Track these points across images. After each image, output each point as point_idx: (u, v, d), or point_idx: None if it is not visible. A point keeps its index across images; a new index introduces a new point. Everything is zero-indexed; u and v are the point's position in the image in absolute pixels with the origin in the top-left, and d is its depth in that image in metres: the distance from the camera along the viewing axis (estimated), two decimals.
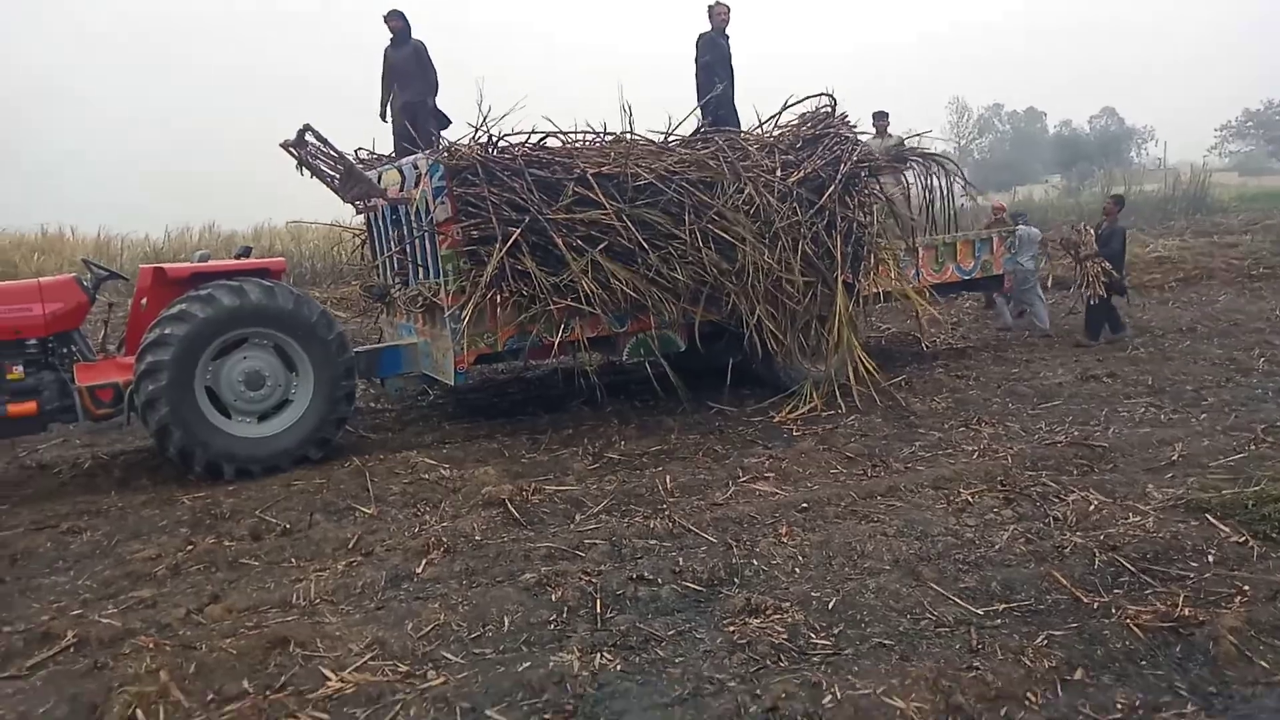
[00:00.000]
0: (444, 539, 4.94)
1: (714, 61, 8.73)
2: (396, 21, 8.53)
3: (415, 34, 8.64)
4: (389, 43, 8.64)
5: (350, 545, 5.00)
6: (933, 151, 9.25)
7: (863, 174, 8.18)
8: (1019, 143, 75.37)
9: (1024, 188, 40.32)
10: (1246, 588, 3.89)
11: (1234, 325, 10.42)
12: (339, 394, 6.77)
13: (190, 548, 5.05)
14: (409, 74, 8.50)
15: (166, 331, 6.23)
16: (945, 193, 9.40)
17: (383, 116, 8.67)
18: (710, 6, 8.84)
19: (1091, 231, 9.94)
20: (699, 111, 8.53)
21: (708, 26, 8.84)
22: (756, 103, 8.68)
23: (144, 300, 6.88)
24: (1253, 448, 5.81)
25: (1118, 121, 73.73)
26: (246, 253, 8.19)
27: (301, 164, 7.79)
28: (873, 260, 8.27)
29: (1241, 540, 4.39)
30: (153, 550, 5.02)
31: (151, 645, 3.82)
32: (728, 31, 8.83)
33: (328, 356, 6.71)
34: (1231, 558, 4.25)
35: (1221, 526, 4.53)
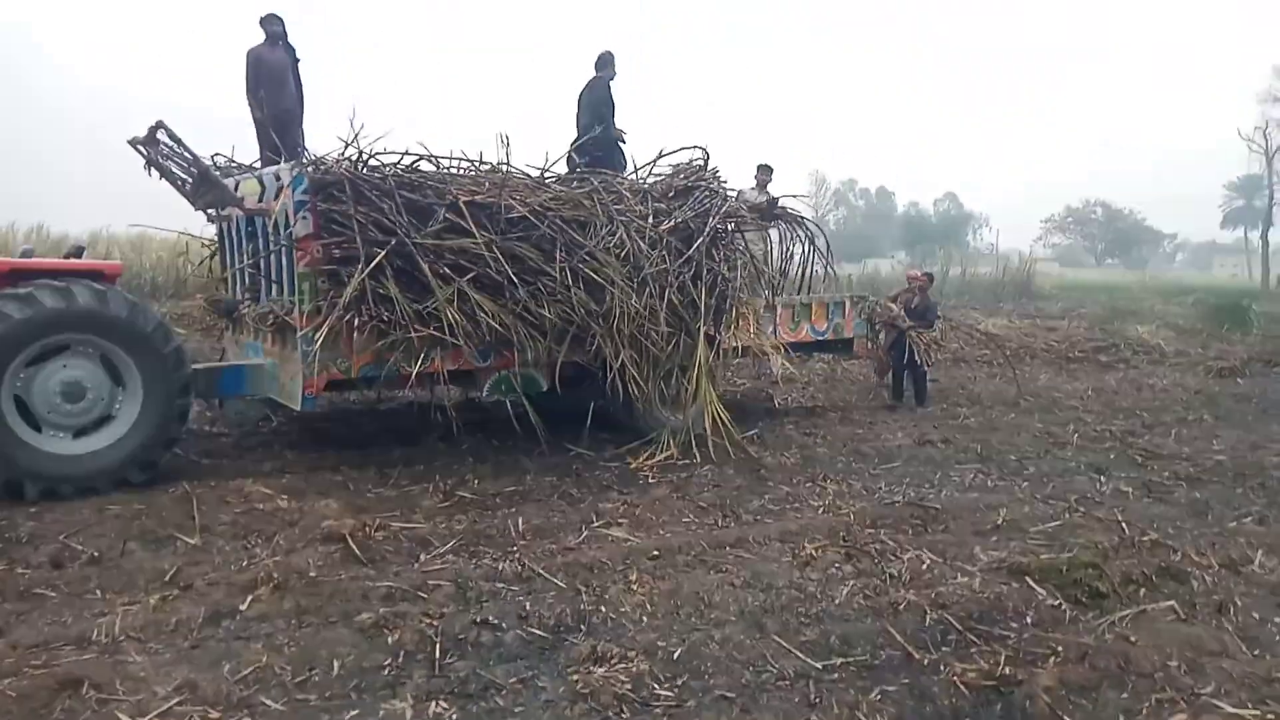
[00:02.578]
0: (274, 574, 4.62)
1: (598, 103, 8.92)
2: (275, 26, 8.20)
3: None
4: (262, 43, 8.26)
5: (167, 577, 4.60)
6: (803, 215, 9.60)
7: (729, 228, 8.43)
8: (870, 218, 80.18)
9: (872, 261, 42.81)
10: (1060, 648, 4.14)
11: (1053, 402, 11.30)
12: (171, 413, 6.29)
13: None
14: (283, 82, 8.15)
15: None
16: (806, 256, 9.81)
17: (255, 118, 8.23)
18: (601, 54, 9.19)
19: (896, 305, 10.57)
20: (575, 151, 8.62)
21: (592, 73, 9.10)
22: (634, 151, 8.93)
23: None
24: (1067, 516, 6.25)
25: (958, 206, 79.80)
26: (79, 253, 7.54)
27: (151, 164, 7.29)
28: (734, 314, 8.50)
29: (1056, 603, 4.69)
30: None
31: None
32: (613, 77, 9.12)
33: (162, 371, 6.24)
34: (1047, 619, 4.52)
35: (1039, 589, 4.83)
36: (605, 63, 9.22)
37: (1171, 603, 4.70)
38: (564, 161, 8.45)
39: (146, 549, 5.04)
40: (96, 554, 4.89)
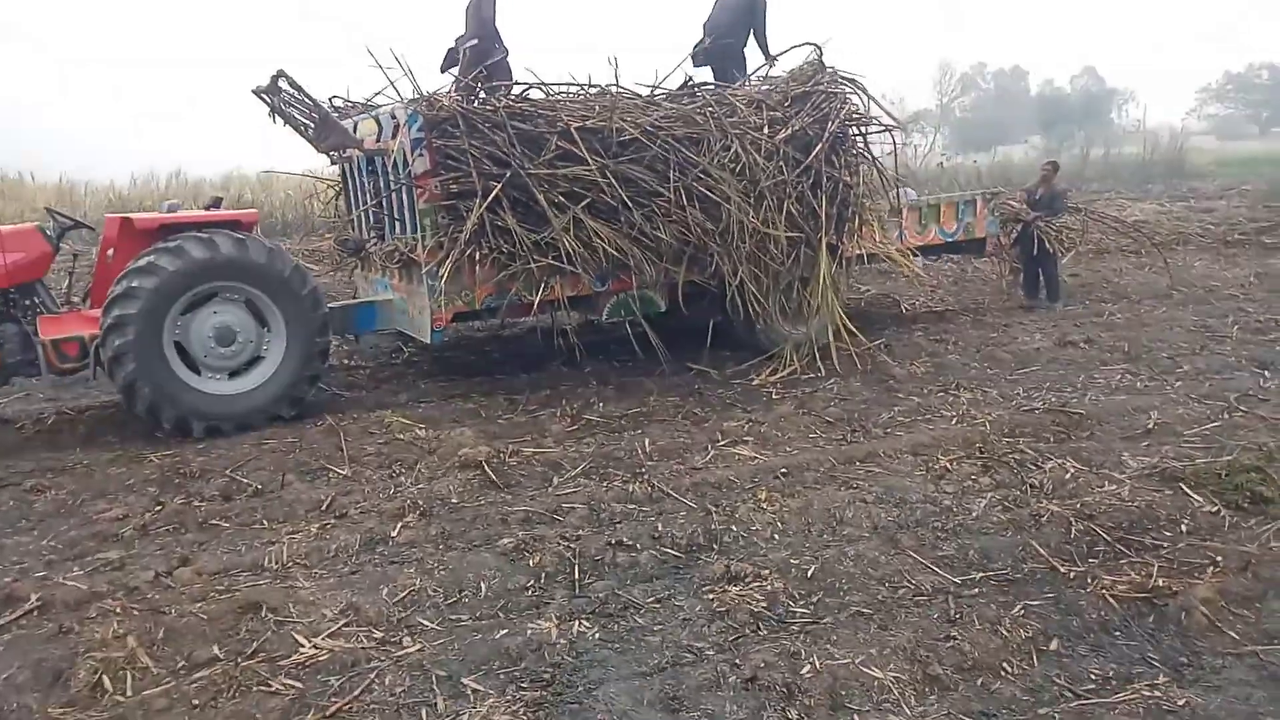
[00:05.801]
0: (420, 502, 4.88)
1: (754, 10, 8.44)
2: None
3: None
4: None
5: (324, 507, 4.93)
6: (847, 74, 8.58)
7: (850, 133, 8.05)
8: (1001, 102, 75.07)
9: (1004, 147, 40.14)
10: (1219, 558, 3.93)
11: (1209, 292, 10.50)
12: (313, 350, 6.63)
13: (159, 508, 4.95)
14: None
15: (134, 284, 6.04)
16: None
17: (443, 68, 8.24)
18: None
19: (1019, 200, 10.09)
20: (695, 57, 8.34)
21: None
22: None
23: (110, 251, 6.67)
24: (1226, 417, 5.85)
25: (1098, 81, 73.64)
26: (217, 204, 7.97)
27: (274, 111, 7.53)
28: (857, 221, 8.19)
29: (1214, 510, 4.42)
30: (119, 510, 4.91)
31: (119, 609, 3.75)
32: None
33: (301, 312, 6.56)
34: (1204, 528, 4.28)
35: (1195, 496, 4.57)
36: None
37: None
38: (680, 71, 8.19)
39: (303, 480, 5.39)
40: (259, 486, 5.28)
